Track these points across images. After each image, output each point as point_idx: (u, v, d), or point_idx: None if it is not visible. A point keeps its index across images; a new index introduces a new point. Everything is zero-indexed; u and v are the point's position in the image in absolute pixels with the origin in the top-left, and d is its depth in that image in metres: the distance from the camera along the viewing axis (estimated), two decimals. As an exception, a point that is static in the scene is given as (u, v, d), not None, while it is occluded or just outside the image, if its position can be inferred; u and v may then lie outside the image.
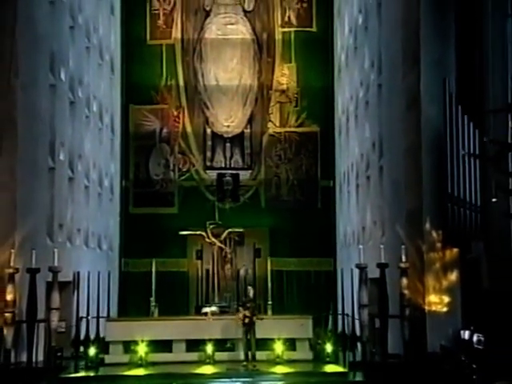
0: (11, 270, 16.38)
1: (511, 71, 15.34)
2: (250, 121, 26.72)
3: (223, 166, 26.51)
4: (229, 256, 24.83)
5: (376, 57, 20.82)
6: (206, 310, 18.61)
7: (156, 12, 26.63)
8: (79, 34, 21.92)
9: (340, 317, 19.53)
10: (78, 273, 19.53)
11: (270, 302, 19.28)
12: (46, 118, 19.11)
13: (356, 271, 17.66)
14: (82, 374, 16.52)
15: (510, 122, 14.42)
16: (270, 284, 20.50)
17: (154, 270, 20.00)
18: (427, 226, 16.51)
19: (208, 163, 26.51)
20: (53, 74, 19.51)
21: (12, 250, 16.51)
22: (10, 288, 16.32)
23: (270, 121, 26.70)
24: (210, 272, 23.60)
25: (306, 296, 24.47)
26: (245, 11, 26.99)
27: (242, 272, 25.16)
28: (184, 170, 26.35)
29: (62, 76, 20.22)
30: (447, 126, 16.00)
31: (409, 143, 17.50)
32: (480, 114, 15.22)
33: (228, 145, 26.62)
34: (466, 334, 15.43)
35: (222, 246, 22.45)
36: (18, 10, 17.23)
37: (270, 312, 19.12)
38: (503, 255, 13.78)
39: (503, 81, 15.23)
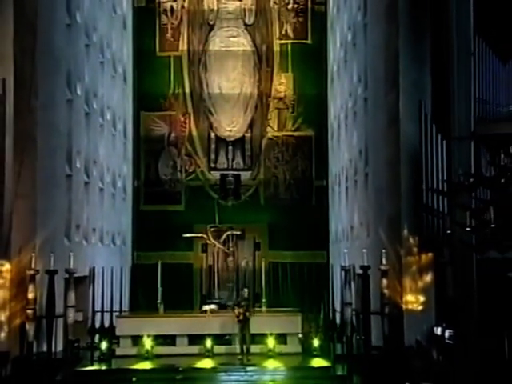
0: (32, 272, 16.55)
1: (474, 102, 15.62)
2: (251, 126, 26.77)
3: (226, 167, 26.59)
4: (231, 249, 25.20)
5: (363, 72, 20.96)
6: (206, 307, 18.73)
7: (164, 26, 26.69)
8: (94, 50, 22.14)
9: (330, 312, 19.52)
10: (94, 268, 19.82)
11: (264, 300, 19.40)
12: (64, 131, 19.40)
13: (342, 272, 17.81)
14: (95, 367, 16.76)
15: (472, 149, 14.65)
16: (264, 277, 20.57)
17: (159, 269, 20.13)
18: (405, 232, 16.61)
19: (212, 164, 26.59)
20: (69, 90, 19.77)
21: (33, 254, 16.69)
22: (31, 288, 16.51)
23: (268, 126, 26.75)
24: (214, 264, 23.85)
25: (301, 285, 24.51)
26: (246, 25, 27.01)
27: (243, 264, 25.24)
28: (190, 170, 26.47)
29: (78, 91, 20.48)
30: (422, 142, 16.15)
31: (389, 156, 17.64)
32: (447, 140, 15.39)
33: (230, 148, 26.69)
34: (438, 330, 15.63)
35: (222, 246, 22.66)
36: (38, 35, 17.33)
37: (264, 308, 19.22)
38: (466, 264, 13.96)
39: (467, 110, 15.42)
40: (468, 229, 13.69)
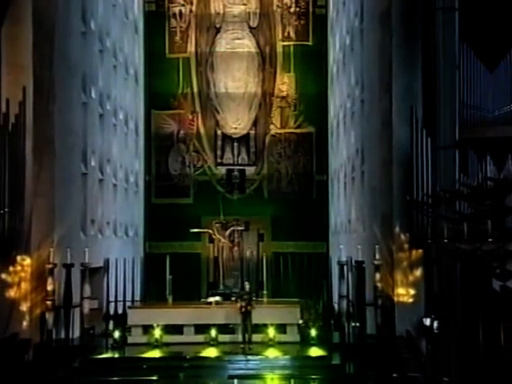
0: (51, 266, 17.00)
1: (459, 109, 15.89)
2: (255, 123, 26.85)
3: (231, 162, 26.71)
4: (236, 240, 25.52)
5: (360, 75, 21.06)
6: (211, 299, 19.04)
7: (174, 30, 26.80)
8: (107, 55, 22.43)
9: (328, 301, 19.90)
10: (108, 259, 20.18)
11: (265, 292, 19.73)
12: (79, 132, 19.74)
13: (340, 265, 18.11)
14: (109, 354, 17.16)
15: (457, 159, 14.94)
16: (265, 267, 20.90)
17: (168, 262, 20.47)
18: (397, 229, 16.83)
19: (218, 160, 26.72)
20: (85, 94, 20.07)
21: (51, 249, 17.09)
22: (49, 280, 16.96)
23: (271, 123, 26.81)
24: (220, 254, 23.98)
25: (301, 274, 24.71)
26: (250, 28, 27.09)
27: (247, 254, 25.48)
28: (198, 166, 26.63)
29: (93, 94, 20.76)
30: (413, 146, 16.39)
31: (383, 156, 17.80)
32: (432, 149, 15.66)
33: (236, 144, 26.82)
34: (427, 321, 15.74)
35: (227, 241, 22.95)
36: (55, 44, 17.59)
37: (265, 299, 19.54)
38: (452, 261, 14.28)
39: (452, 117, 15.69)
40: (445, 240, 14.06)
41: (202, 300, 20.70)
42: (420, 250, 16.61)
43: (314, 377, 15.05)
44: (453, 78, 15.69)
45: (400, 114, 17.07)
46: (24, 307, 16.85)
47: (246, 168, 26.54)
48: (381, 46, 18.24)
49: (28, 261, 16.96)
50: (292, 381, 14.92)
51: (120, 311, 20.11)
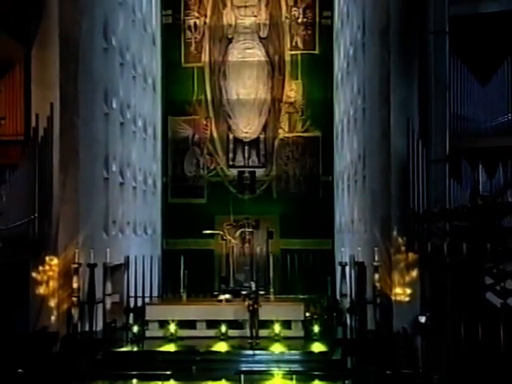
0: (76, 265, 17.65)
1: (450, 122, 16.24)
2: (265, 128, 27.09)
3: (243, 164, 26.98)
4: (247, 237, 25.94)
5: (362, 85, 21.27)
6: (221, 297, 19.44)
7: (189, 41, 27.14)
8: (127, 67, 22.72)
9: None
10: (128, 256, 20.87)
11: (271, 290, 20.02)
12: (102, 140, 20.14)
13: (347, 259, 18.43)
14: (128, 348, 17.71)
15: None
16: (272, 263, 21.13)
17: (182, 261, 20.65)
18: (394, 232, 17.14)
19: (230, 162, 26.99)
20: (106, 105, 20.45)
21: (76, 250, 17.73)
22: (75, 278, 17.62)
23: (280, 128, 27.01)
24: (232, 251, 24.22)
25: (308, 270, 24.54)
26: (260, 38, 27.32)
27: (257, 250, 25.66)
28: (211, 168, 26.92)
29: (114, 105, 21.12)
30: (410, 155, 16.72)
31: (382, 164, 18.06)
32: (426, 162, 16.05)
33: (246, 147, 27.08)
34: (422, 319, 16.20)
35: (237, 242, 23.36)
36: (80, 62, 18.20)
37: (272, 296, 19.78)
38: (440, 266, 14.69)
39: (443, 136, 16.10)
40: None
41: (215, 293, 21.12)
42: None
43: (316, 373, 15.37)
44: (443, 97, 16.02)
45: (398, 125, 17.35)
46: (52, 303, 17.57)
47: (256, 170, 26.82)
48: (380, 61, 18.51)
49: (56, 261, 17.64)
50: (294, 376, 15.25)
51: (140, 304, 20.65)
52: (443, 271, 14.07)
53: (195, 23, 27.27)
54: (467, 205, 13.64)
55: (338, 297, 19.10)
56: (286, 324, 18.33)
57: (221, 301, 19.31)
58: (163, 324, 18.55)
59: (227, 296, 19.38)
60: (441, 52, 15.97)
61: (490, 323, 12.74)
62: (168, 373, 15.42)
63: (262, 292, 19.31)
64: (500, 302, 13.09)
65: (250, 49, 27.32)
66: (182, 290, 20.09)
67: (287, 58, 27.21)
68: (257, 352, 16.71)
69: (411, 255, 16.97)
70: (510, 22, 16.56)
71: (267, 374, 15.53)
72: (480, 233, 13.00)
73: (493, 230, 13.00)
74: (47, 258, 17.52)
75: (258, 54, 27.33)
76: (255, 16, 27.45)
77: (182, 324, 18.47)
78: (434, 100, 15.79)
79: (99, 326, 18.57)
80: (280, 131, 27.13)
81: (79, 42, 18.05)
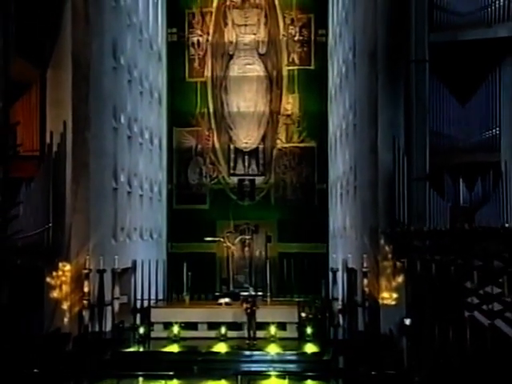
0: (86, 271, 18.15)
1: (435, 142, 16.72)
2: (263, 138, 27.50)
3: (243, 173, 27.40)
4: (247, 242, 26.40)
5: (353, 102, 21.68)
6: (221, 301, 19.96)
7: (192, 57, 27.61)
8: (135, 83, 23.18)
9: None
10: (135, 261, 21.25)
11: (268, 293, 20.52)
12: (110, 153, 20.61)
13: (339, 263, 18.86)
14: (135, 348, 18.24)
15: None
16: (269, 267, 21.58)
17: (185, 266, 21.18)
18: (382, 241, 17.51)
19: (231, 171, 27.41)
20: (115, 120, 20.88)
21: (87, 256, 18.20)
22: (86, 283, 18.10)
23: (278, 138, 27.43)
24: (231, 256, 24.97)
25: (304, 272, 24.65)
26: (259, 54, 27.75)
27: (257, 254, 26.19)
28: (213, 176, 27.37)
29: (122, 120, 21.57)
30: (396, 171, 17.11)
31: (371, 177, 18.46)
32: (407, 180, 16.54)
33: (246, 157, 27.48)
34: (407, 321, 16.56)
35: (236, 248, 23.83)
36: (91, 81, 18.68)
37: (268, 299, 20.25)
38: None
39: (423, 156, 16.56)
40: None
41: (216, 294, 21.61)
42: (402, 260, 17.24)
43: (308, 373, 15.80)
44: (424, 120, 16.60)
45: (385, 142, 17.73)
46: (65, 306, 17.95)
47: (255, 178, 27.25)
48: (369, 82, 18.96)
49: (68, 267, 18.05)
50: (287, 376, 15.63)
51: (146, 305, 21.10)
52: (420, 283, 14.55)
53: (198, 41, 27.75)
54: (445, 227, 14.08)
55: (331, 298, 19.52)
56: (282, 326, 18.74)
57: (221, 304, 19.79)
58: (167, 325, 19.03)
59: (227, 299, 19.88)
60: (421, 78, 16.57)
61: (461, 332, 13.24)
62: (171, 373, 15.89)
63: (260, 293, 19.77)
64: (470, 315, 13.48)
65: (249, 64, 27.78)
66: (185, 293, 20.58)
67: (285, 73, 27.67)
68: (254, 353, 17.18)
69: (398, 262, 17.34)
70: (487, 48, 17.00)
71: (263, 374, 15.97)
72: (454, 252, 13.51)
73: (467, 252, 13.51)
74: (60, 265, 17.89)
75: (257, 69, 27.80)
76: (255, 34, 27.93)
77: (185, 325, 18.92)
78: (415, 122, 16.35)
79: (108, 326, 19.14)
80: (278, 142, 27.57)
81: (90, 63, 18.54)
